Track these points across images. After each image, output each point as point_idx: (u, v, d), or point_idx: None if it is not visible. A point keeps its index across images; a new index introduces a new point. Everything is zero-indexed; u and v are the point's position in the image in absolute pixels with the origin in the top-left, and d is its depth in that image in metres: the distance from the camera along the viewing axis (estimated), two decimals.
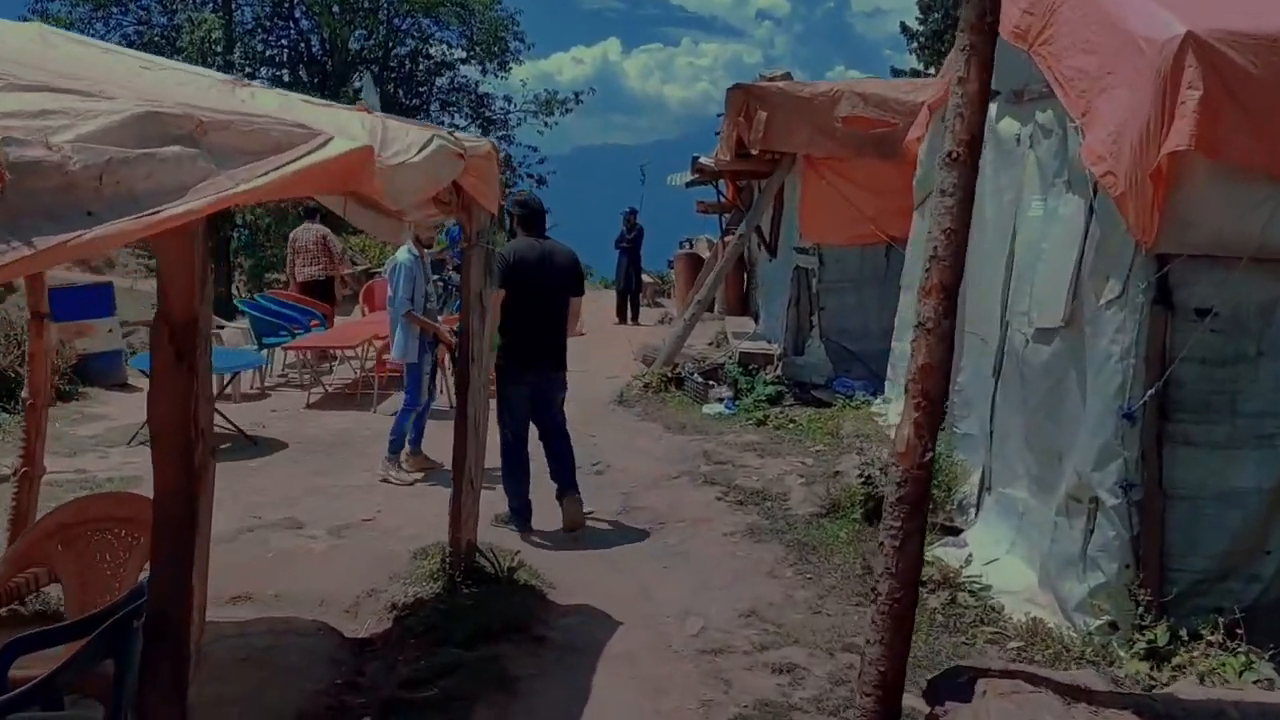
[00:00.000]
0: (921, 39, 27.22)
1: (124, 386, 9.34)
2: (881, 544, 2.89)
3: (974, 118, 2.80)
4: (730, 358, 9.69)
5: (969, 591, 4.61)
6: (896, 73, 26.62)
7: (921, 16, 27.36)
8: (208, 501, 2.25)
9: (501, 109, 29.98)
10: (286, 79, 28.85)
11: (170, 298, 2.07)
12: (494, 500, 5.65)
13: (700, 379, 9.09)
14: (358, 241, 20.67)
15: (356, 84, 26.39)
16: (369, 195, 2.57)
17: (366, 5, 28.60)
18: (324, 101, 3.54)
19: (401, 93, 30.07)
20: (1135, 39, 3.88)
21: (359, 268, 16.93)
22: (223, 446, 7.52)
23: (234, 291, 23.56)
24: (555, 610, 4.54)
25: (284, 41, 29.11)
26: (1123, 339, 4.00)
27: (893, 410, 7.91)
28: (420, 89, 30.59)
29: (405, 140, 2.94)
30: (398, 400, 7.30)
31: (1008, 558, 4.90)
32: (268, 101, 2.88)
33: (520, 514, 5.68)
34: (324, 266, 11.85)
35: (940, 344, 2.82)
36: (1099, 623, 4.03)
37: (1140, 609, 3.90)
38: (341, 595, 4.72)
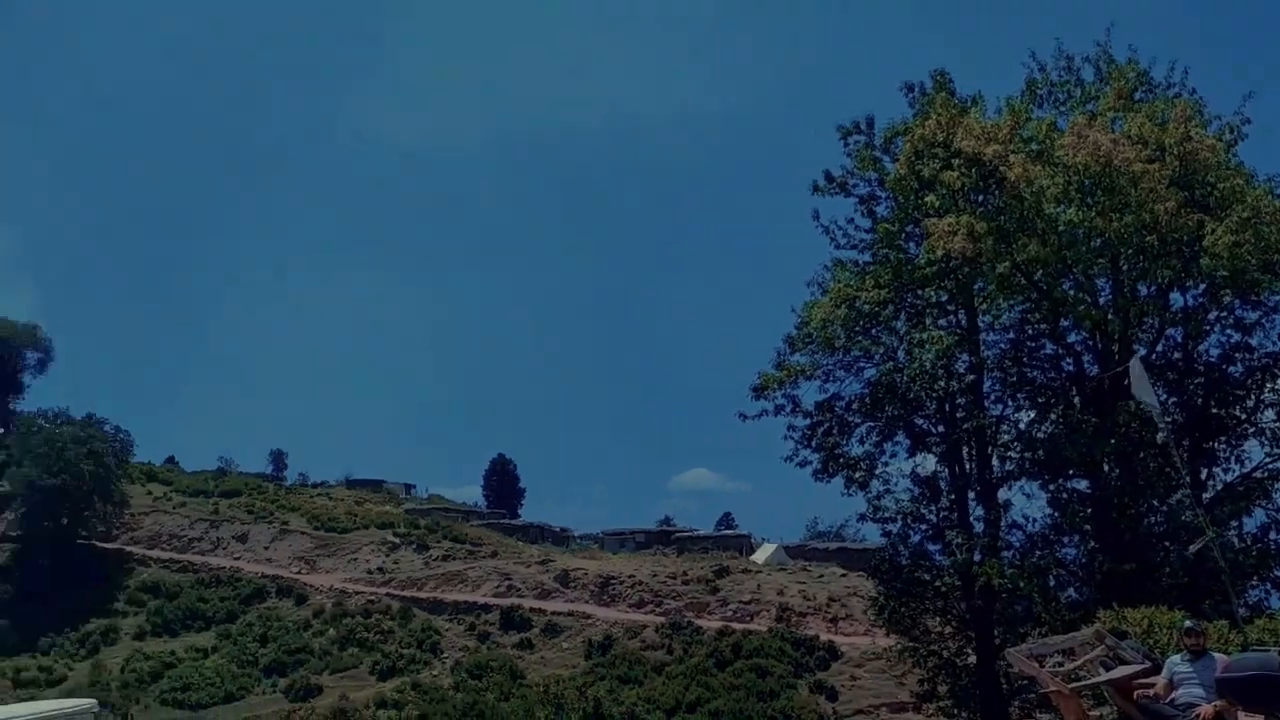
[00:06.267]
0: None
1: None
2: None
3: None
4: None
5: None
6: None
7: None
8: None
9: None
10: (1052, 403, 23.08)
11: None
12: None
13: None
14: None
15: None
16: None
17: (1152, 299, 21.72)
18: None
19: (1212, 403, 21.54)
20: None
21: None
22: None
23: None
24: None
25: (1042, 363, 23.73)
26: None
27: None
28: (1239, 395, 21.61)
29: None
30: None
31: None
32: None
33: None
34: None
35: None
36: None
37: None
38: None
